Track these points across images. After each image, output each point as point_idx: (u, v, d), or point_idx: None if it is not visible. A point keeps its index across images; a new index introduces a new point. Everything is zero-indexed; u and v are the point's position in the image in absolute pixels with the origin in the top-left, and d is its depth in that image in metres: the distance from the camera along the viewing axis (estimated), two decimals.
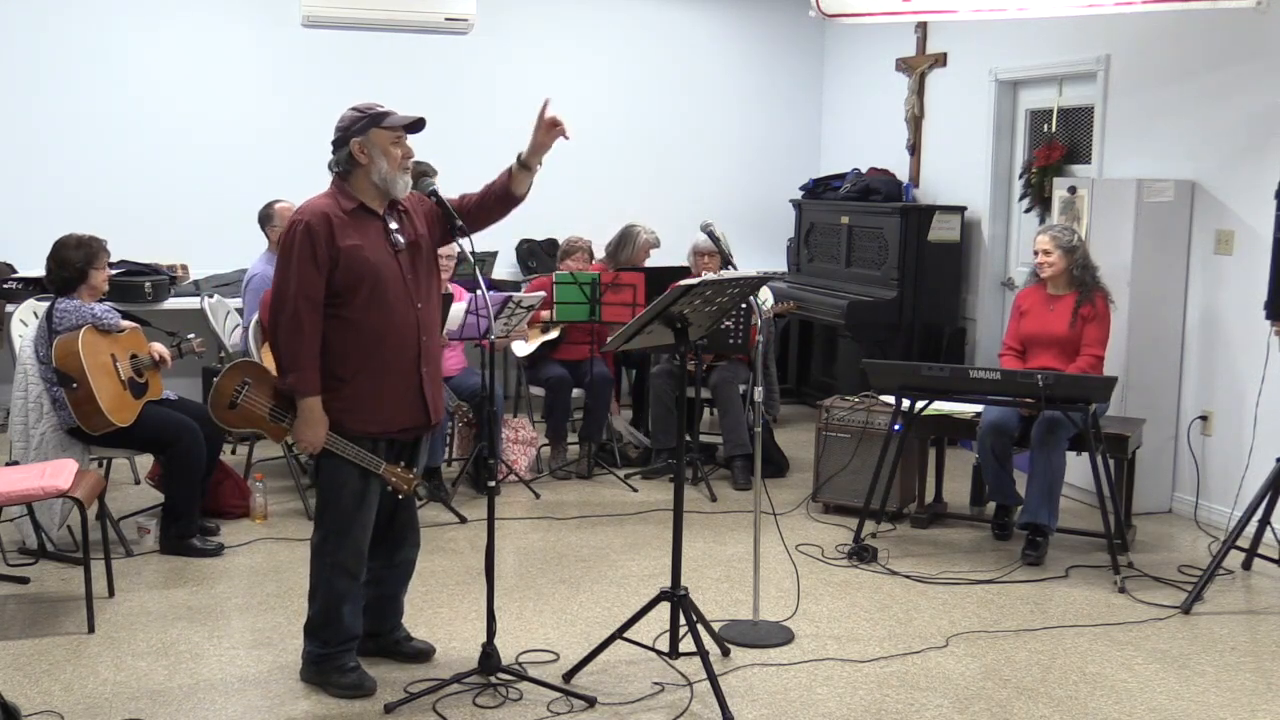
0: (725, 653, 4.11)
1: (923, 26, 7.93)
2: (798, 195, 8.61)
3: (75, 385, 4.77)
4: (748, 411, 6.25)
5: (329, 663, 3.81)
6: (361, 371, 3.66)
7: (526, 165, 3.75)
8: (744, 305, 5.52)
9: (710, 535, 5.50)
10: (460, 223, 3.75)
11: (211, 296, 6.72)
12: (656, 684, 3.87)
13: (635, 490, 6.23)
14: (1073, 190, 6.11)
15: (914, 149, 8.13)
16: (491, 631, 3.80)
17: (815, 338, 8.51)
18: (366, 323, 3.64)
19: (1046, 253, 5.43)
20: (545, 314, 6.44)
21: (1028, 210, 7.09)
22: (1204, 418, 5.88)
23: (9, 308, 6.08)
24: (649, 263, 6.92)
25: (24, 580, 4.72)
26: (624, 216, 7.14)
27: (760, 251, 8.72)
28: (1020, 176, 7.18)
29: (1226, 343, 5.77)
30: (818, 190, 8.49)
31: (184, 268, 7.66)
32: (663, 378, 6.49)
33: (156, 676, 3.91)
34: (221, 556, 5.07)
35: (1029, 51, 7.01)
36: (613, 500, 6.07)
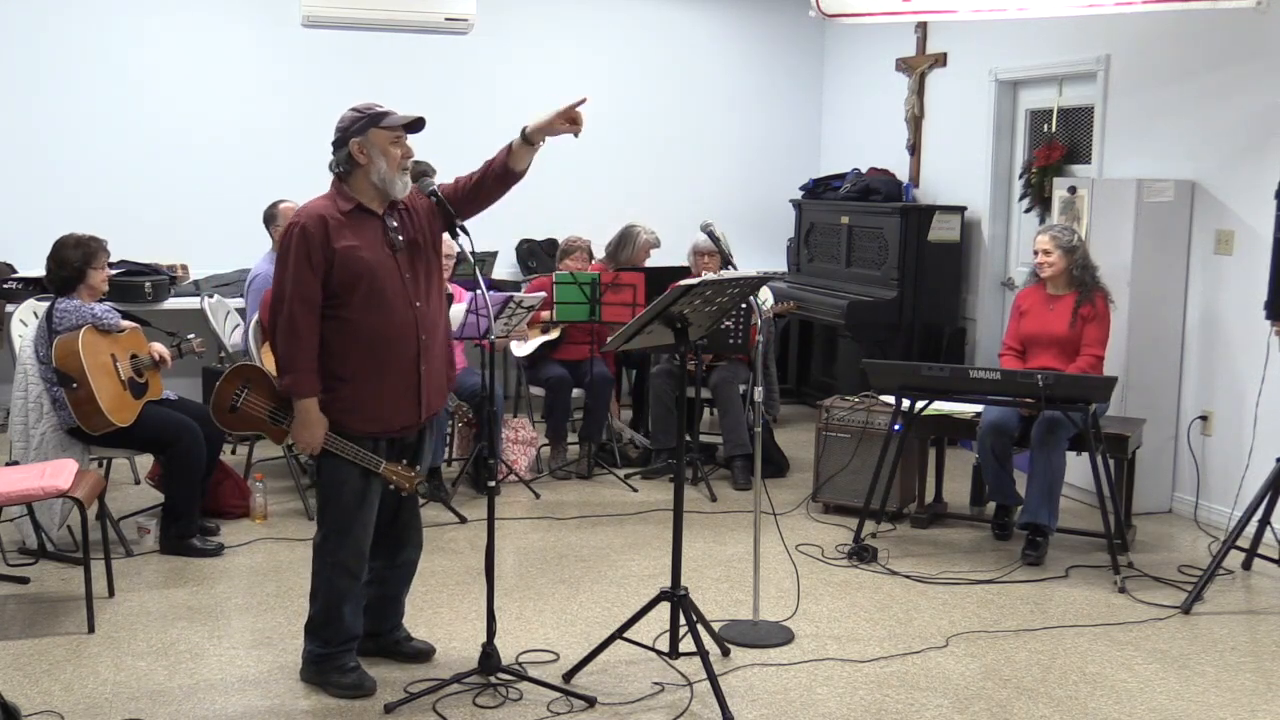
0: (725, 653, 4.11)
1: (923, 26, 7.92)
2: (798, 195, 8.60)
3: (75, 385, 4.77)
4: (748, 411, 6.25)
5: (329, 662, 3.81)
6: (361, 371, 3.67)
7: (530, 140, 3.71)
8: (744, 305, 5.52)
9: (710, 535, 5.50)
10: (461, 224, 3.75)
11: (211, 296, 6.72)
12: (656, 684, 3.87)
13: (635, 490, 6.22)
14: (1073, 190, 6.11)
15: (914, 149, 8.13)
16: (491, 631, 3.80)
17: (815, 338, 8.51)
18: (365, 323, 3.64)
19: (1046, 253, 5.43)
20: (545, 314, 6.44)
21: (1028, 210, 7.09)
22: (1204, 418, 5.88)
23: (9, 308, 6.07)
24: (649, 263, 6.92)
25: (24, 580, 4.72)
26: (624, 216, 7.14)
27: (760, 251, 8.72)
28: (1020, 176, 7.17)
29: (1226, 343, 5.77)
30: (818, 190, 8.49)
31: (184, 268, 7.65)
32: (663, 378, 6.49)
33: (156, 676, 3.91)
34: (221, 556, 5.08)
35: (1029, 51, 7.01)
36: (613, 500, 6.07)
